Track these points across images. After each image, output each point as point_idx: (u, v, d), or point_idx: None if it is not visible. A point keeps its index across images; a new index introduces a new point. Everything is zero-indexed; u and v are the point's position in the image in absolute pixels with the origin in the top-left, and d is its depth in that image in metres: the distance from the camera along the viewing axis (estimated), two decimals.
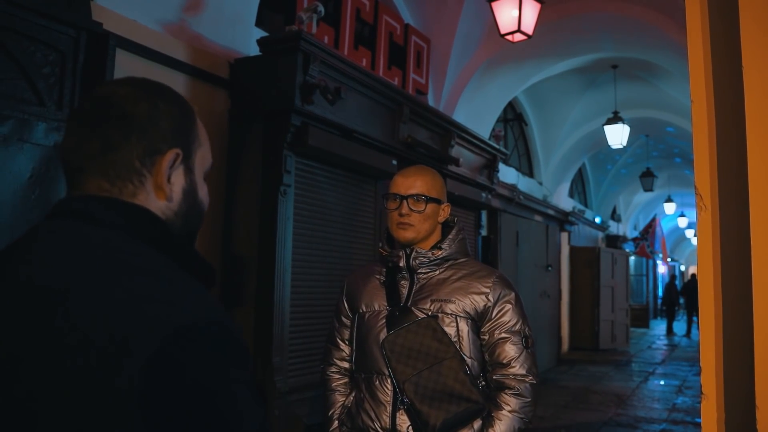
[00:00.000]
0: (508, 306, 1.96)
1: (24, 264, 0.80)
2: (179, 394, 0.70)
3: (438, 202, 2.04)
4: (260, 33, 4.59)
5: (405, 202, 1.99)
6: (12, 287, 0.78)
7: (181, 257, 0.88)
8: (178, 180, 0.94)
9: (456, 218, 2.15)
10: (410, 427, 1.84)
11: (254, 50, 4.30)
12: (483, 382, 1.94)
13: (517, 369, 1.90)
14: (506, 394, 1.88)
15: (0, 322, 0.76)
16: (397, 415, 1.87)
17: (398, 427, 1.86)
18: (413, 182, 2.02)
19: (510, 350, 1.92)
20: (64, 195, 0.91)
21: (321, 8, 4.23)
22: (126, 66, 3.42)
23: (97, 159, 0.87)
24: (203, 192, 1.00)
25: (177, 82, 3.84)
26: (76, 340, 0.71)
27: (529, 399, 1.89)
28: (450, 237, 2.05)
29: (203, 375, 0.72)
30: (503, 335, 1.93)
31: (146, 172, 0.90)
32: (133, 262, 0.80)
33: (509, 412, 1.85)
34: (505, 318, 1.95)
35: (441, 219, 2.07)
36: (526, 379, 1.90)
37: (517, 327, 1.95)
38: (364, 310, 2.03)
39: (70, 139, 0.90)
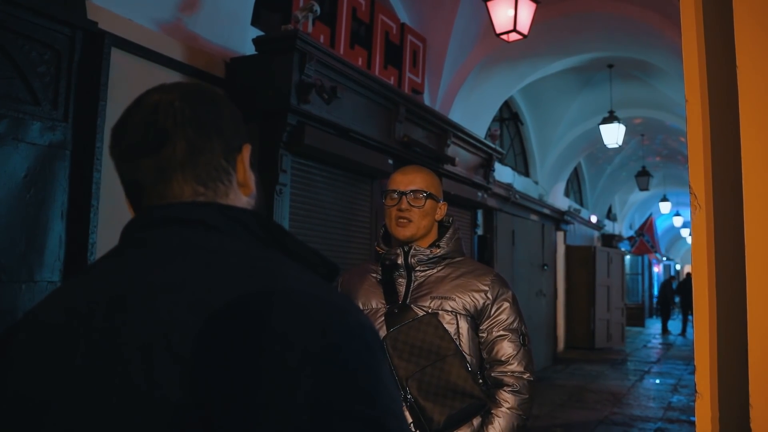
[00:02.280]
0: (506, 304, 1.98)
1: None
2: (230, 375, 0.64)
3: (436, 199, 2.05)
4: (256, 32, 4.58)
5: (404, 197, 2.01)
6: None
7: (292, 252, 0.85)
8: (251, 174, 0.94)
9: (452, 218, 2.16)
10: (412, 423, 1.84)
11: (250, 49, 4.29)
12: (480, 380, 1.95)
13: (515, 366, 1.92)
14: (505, 391, 1.90)
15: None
16: None
17: None
18: (412, 179, 2.04)
19: (508, 348, 1.93)
20: (144, 206, 0.87)
21: (317, 7, 4.23)
22: (121, 65, 3.42)
23: (186, 164, 0.85)
24: (259, 180, 1.00)
25: (173, 81, 3.82)
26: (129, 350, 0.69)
27: (527, 396, 1.91)
28: (447, 236, 2.07)
29: (247, 355, 0.65)
30: (501, 333, 1.95)
31: (231, 171, 0.89)
32: (232, 259, 0.77)
33: (508, 409, 1.87)
34: (503, 316, 1.97)
35: (438, 217, 2.08)
36: (524, 376, 1.92)
37: (515, 325, 1.97)
38: (361, 308, 2.03)
39: (138, 155, 0.85)
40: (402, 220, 2.00)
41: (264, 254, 0.80)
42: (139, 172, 0.85)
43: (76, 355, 0.72)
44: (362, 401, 0.66)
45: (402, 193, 2.02)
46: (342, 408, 0.65)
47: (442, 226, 2.13)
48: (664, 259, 30.17)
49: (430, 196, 2.02)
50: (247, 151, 0.92)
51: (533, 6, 5.38)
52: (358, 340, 0.70)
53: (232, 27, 4.35)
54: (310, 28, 4.29)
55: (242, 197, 0.91)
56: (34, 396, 0.73)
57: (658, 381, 10.25)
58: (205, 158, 0.86)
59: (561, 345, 13.23)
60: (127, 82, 3.41)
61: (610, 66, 9.45)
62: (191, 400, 0.64)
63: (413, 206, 2.00)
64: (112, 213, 3.33)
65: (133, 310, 0.72)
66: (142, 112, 0.86)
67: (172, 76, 3.82)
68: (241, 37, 4.42)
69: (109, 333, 0.72)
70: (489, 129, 8.36)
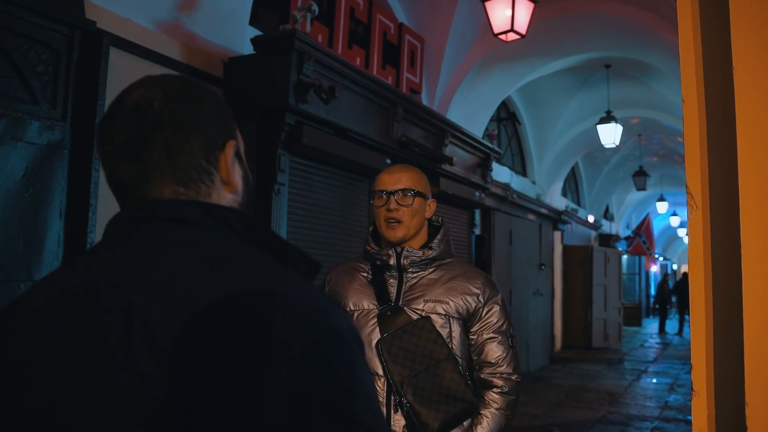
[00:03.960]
0: (496, 307, 2.00)
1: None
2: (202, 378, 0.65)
3: (424, 197, 2.04)
4: (254, 32, 4.58)
5: (392, 197, 1.99)
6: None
7: (274, 249, 0.85)
8: (237, 170, 0.93)
9: (441, 218, 2.15)
10: (405, 427, 1.84)
11: (248, 49, 4.30)
12: (469, 381, 1.96)
13: (505, 368, 1.95)
14: (494, 392, 1.93)
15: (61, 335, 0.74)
16: (392, 415, 1.87)
17: (393, 427, 1.87)
18: (399, 178, 2.02)
19: (497, 350, 1.96)
20: (126, 206, 0.87)
21: (315, 7, 4.24)
22: (120, 64, 3.42)
23: (165, 167, 0.85)
24: (250, 176, 0.99)
25: None
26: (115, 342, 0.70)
27: (514, 397, 1.95)
28: (439, 237, 2.06)
29: (223, 360, 0.66)
30: (491, 335, 1.97)
31: (213, 170, 0.89)
32: (216, 257, 0.77)
33: (497, 409, 1.90)
34: (493, 319, 1.98)
35: (428, 215, 2.07)
36: (512, 378, 1.95)
37: (504, 327, 1.99)
38: (352, 308, 2.02)
39: (120, 157, 0.85)
40: (392, 222, 1.99)
41: (244, 252, 0.80)
42: (121, 173, 0.86)
43: (59, 348, 0.73)
44: (341, 399, 0.68)
45: (389, 193, 2.00)
46: (321, 405, 0.66)
47: (433, 226, 2.12)
48: (661, 259, 30.21)
49: (418, 194, 2.01)
50: (230, 148, 0.91)
51: (531, 6, 5.39)
52: (338, 339, 0.71)
53: (231, 27, 4.35)
54: (308, 28, 4.30)
55: (226, 195, 0.90)
56: (23, 384, 0.74)
57: (655, 380, 10.27)
58: (184, 160, 0.85)
59: (558, 344, 13.25)
60: (125, 81, 3.36)
61: (608, 66, 9.46)
62: (171, 396, 0.65)
63: (402, 205, 1.99)
64: (111, 212, 3.30)
65: (111, 306, 0.72)
66: (123, 112, 0.86)
67: None
68: (239, 37, 4.42)
69: (89, 329, 0.72)
70: (487, 129, 8.37)
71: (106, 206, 3.26)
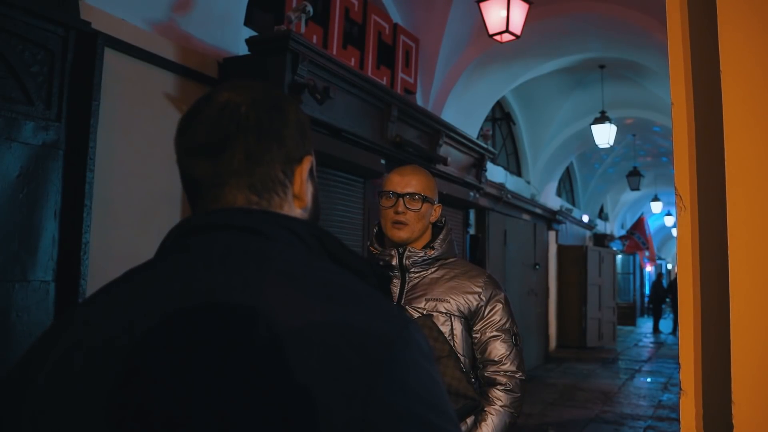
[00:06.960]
0: (499, 305, 2.01)
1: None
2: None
3: (432, 202, 2.06)
4: (249, 32, 4.59)
5: (401, 200, 2.00)
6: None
7: (345, 263, 0.83)
8: (309, 186, 0.93)
9: (444, 218, 2.17)
10: None
11: (243, 50, 4.30)
12: (473, 379, 1.98)
13: (508, 366, 1.96)
14: (498, 390, 1.94)
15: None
16: None
17: None
18: (410, 181, 2.03)
19: (501, 348, 1.97)
20: (199, 208, 0.86)
21: (310, 8, 4.24)
22: (115, 65, 3.42)
23: (242, 173, 0.84)
24: (319, 195, 0.98)
25: (166, 81, 3.84)
26: None
27: (519, 394, 1.96)
28: (441, 237, 2.07)
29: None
30: (494, 333, 1.98)
31: (288, 183, 0.88)
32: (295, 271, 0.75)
33: (501, 407, 1.92)
34: (496, 317, 2.00)
35: (433, 219, 2.09)
36: (516, 375, 1.96)
37: (507, 325, 2.01)
38: None
39: (200, 155, 0.85)
40: (398, 224, 2.00)
41: (309, 263, 0.78)
42: (196, 171, 0.85)
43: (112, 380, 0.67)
44: (430, 409, 0.68)
45: (398, 195, 2.01)
46: (413, 415, 0.65)
47: (435, 227, 2.14)
48: (656, 260, 30.28)
49: (426, 199, 2.02)
50: (307, 163, 0.91)
51: (526, 7, 5.41)
52: (416, 348, 0.71)
53: (225, 27, 4.35)
54: (303, 29, 4.31)
55: (296, 210, 0.90)
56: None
57: (648, 380, 10.31)
58: (262, 168, 0.85)
59: (553, 344, 13.27)
60: (120, 82, 3.42)
61: (602, 67, 9.48)
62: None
63: (409, 209, 2.00)
64: (106, 213, 3.33)
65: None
66: (209, 110, 0.85)
67: (165, 76, 3.82)
68: (234, 38, 4.42)
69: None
70: (481, 129, 8.39)
71: (100, 207, 3.27)
